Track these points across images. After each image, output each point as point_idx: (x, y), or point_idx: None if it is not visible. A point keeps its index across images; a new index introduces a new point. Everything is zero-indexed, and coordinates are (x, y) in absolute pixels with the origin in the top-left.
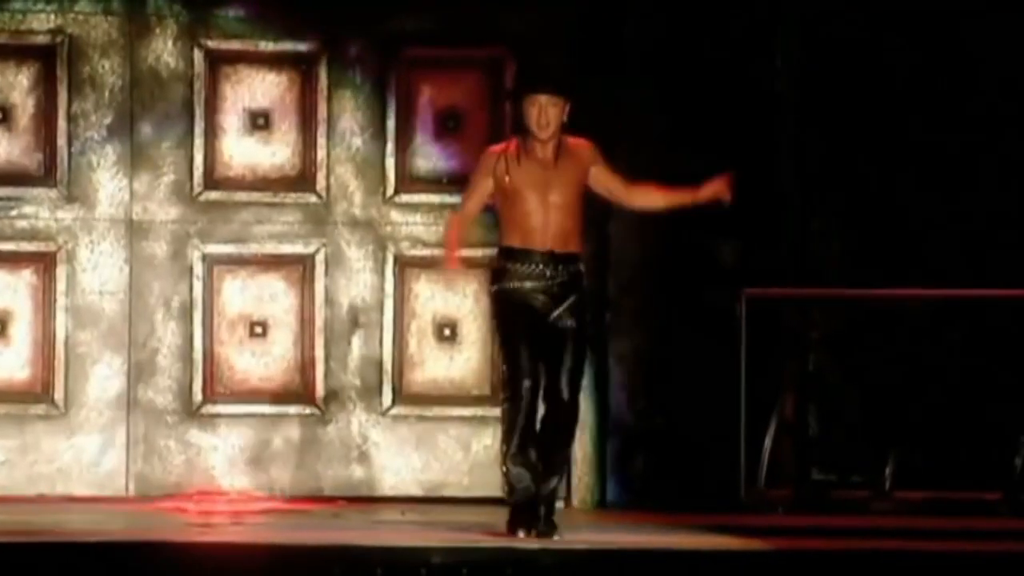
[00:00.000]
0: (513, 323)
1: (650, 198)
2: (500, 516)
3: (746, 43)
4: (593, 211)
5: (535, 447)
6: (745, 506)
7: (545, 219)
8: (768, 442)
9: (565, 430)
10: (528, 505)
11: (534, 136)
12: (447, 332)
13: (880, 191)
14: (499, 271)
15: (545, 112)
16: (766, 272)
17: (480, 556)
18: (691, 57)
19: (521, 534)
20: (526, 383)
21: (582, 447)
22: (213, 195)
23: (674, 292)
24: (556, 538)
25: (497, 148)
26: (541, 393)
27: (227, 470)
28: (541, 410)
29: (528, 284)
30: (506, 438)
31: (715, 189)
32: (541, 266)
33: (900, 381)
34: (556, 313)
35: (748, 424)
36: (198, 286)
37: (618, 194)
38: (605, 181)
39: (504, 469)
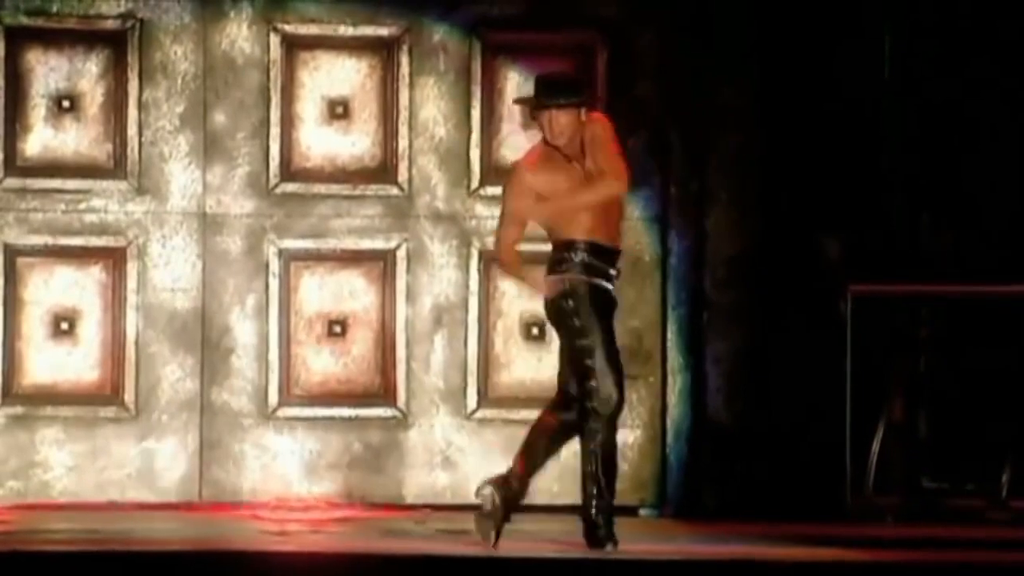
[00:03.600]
0: (610, 326)
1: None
2: None
3: (849, 26)
4: (690, 205)
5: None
6: (851, 515)
7: (608, 216)
8: (876, 447)
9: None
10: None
11: (552, 142)
12: (535, 331)
13: (991, 183)
14: (588, 266)
15: (557, 121)
16: (873, 267)
17: (565, 568)
18: (789, 42)
19: (610, 547)
20: (621, 394)
21: (677, 453)
22: (290, 187)
23: (775, 289)
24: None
25: (525, 162)
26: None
27: (304, 476)
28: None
29: (603, 284)
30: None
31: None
32: (611, 268)
33: (1016, 382)
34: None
35: (854, 428)
36: (274, 283)
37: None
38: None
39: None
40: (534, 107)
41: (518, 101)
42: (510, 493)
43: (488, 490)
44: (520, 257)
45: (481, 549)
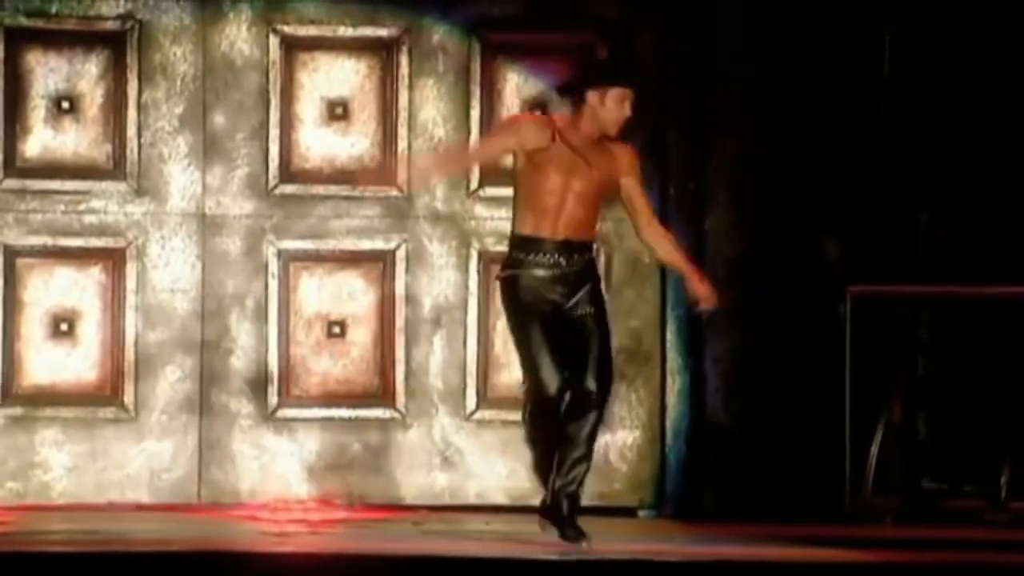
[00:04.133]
0: (530, 317)
1: (658, 243)
2: (589, 526)
3: (849, 26)
4: (688, 205)
5: (559, 444)
6: (850, 516)
7: (561, 205)
8: (875, 448)
9: (591, 425)
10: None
11: (604, 129)
12: None
13: (992, 184)
14: (511, 260)
15: (629, 105)
16: (872, 269)
17: (564, 569)
18: (789, 42)
19: (549, 528)
20: (553, 383)
21: (676, 454)
22: (289, 188)
23: (774, 290)
24: (584, 545)
25: (532, 117)
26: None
27: (303, 477)
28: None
29: (541, 273)
30: (533, 446)
31: (702, 292)
32: (555, 255)
33: (1016, 383)
34: (572, 302)
35: (853, 429)
36: (273, 284)
37: (636, 217)
38: (632, 197)
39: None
40: (616, 82)
41: (565, 90)
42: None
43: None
44: (454, 166)
45: (479, 549)
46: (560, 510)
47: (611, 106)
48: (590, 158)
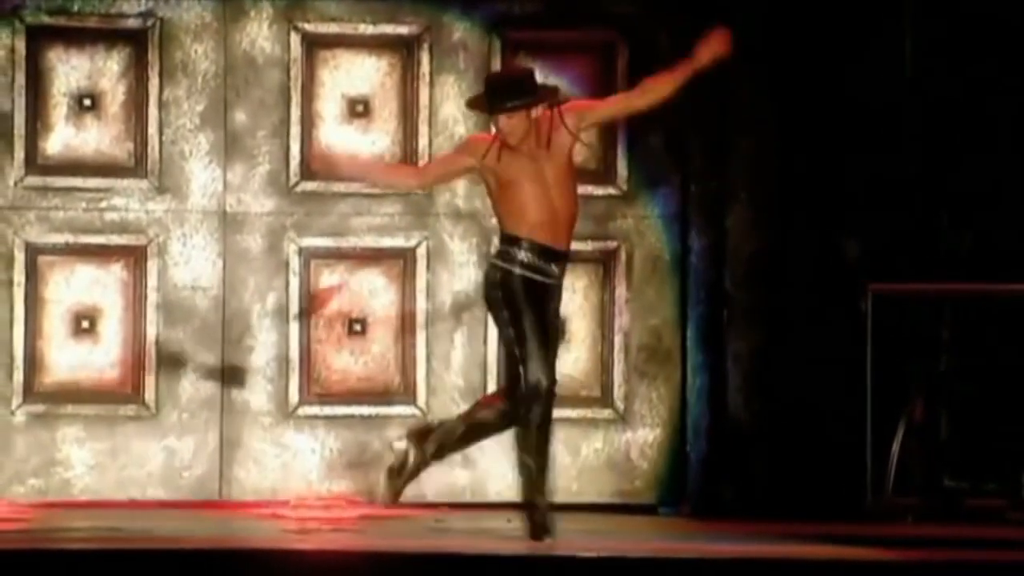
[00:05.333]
0: (533, 315)
1: (657, 90)
2: (610, 524)
3: (869, 25)
4: (709, 203)
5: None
6: (871, 515)
7: (551, 212)
8: (896, 447)
9: (550, 421)
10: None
11: (511, 136)
12: None
13: (1013, 182)
14: (508, 255)
15: (506, 122)
16: (893, 266)
17: (584, 566)
18: (809, 41)
19: (548, 539)
20: (545, 382)
21: (697, 452)
22: (310, 186)
23: (795, 288)
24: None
25: (482, 136)
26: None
27: (325, 474)
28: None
29: (539, 278)
30: (524, 444)
31: (712, 48)
32: (552, 265)
33: None
34: (552, 308)
35: (874, 428)
36: (294, 281)
37: (627, 108)
38: (608, 112)
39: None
40: (484, 112)
41: (470, 105)
42: (419, 458)
43: (405, 444)
44: (395, 177)
45: (500, 547)
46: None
47: (502, 121)
48: (551, 152)
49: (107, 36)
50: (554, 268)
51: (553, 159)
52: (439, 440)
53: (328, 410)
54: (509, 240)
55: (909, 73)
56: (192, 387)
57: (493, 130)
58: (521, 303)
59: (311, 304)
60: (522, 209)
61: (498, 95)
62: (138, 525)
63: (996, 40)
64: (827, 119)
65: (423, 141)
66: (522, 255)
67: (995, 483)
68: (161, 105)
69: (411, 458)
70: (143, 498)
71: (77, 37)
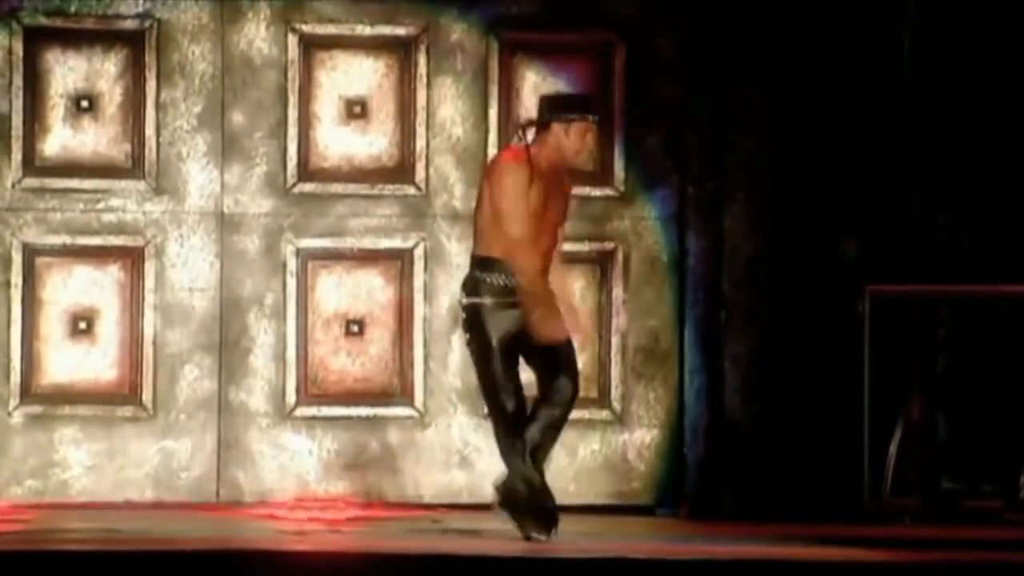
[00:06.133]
0: (495, 341)
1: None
2: (607, 525)
3: (868, 26)
4: (707, 205)
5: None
6: (869, 516)
7: (538, 233)
8: (893, 448)
9: (561, 418)
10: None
11: (564, 159)
12: None
13: (1012, 184)
14: (478, 284)
15: (591, 135)
16: (891, 268)
17: (582, 567)
18: (808, 42)
19: (543, 537)
20: (510, 404)
21: (694, 453)
22: (307, 187)
23: (793, 289)
24: (545, 538)
25: (519, 158)
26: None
27: (322, 475)
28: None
29: (505, 298)
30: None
31: (577, 328)
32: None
33: None
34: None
35: (872, 429)
36: (292, 282)
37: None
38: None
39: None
40: (580, 113)
41: (536, 123)
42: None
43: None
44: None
45: (498, 548)
46: (552, 511)
47: (570, 135)
48: (558, 185)
49: (104, 37)
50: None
51: (558, 194)
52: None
53: (325, 411)
54: (481, 264)
55: (907, 73)
56: (189, 388)
57: (514, 144)
58: (484, 336)
59: None
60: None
61: (588, 106)
62: (135, 526)
63: (996, 40)
64: (825, 120)
65: (420, 143)
66: (489, 276)
67: (993, 484)
68: (158, 106)
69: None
70: (140, 499)
71: (74, 38)
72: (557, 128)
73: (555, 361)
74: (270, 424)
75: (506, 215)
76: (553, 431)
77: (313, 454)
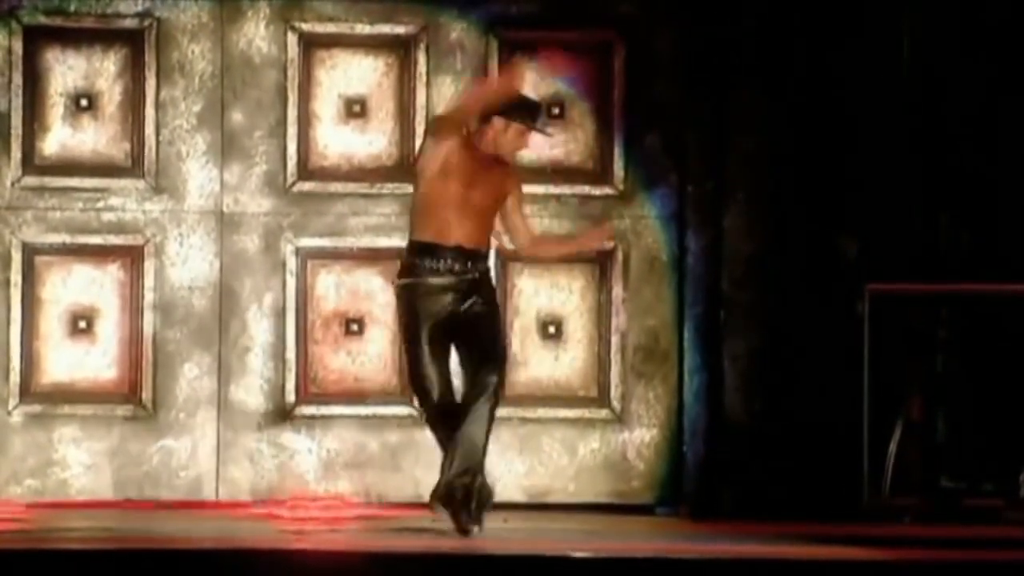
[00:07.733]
0: (423, 325)
1: (546, 251)
2: (606, 524)
3: (868, 26)
4: (707, 204)
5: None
6: (868, 515)
7: (461, 215)
8: (893, 447)
9: (485, 411)
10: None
11: (499, 152)
12: (552, 330)
13: (1013, 183)
14: (407, 267)
15: (527, 140)
16: (891, 267)
17: (583, 566)
18: (808, 41)
19: (441, 512)
20: (434, 391)
21: (694, 452)
22: (307, 186)
23: (792, 288)
24: (476, 530)
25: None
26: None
27: (321, 474)
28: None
29: (437, 281)
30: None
31: (598, 236)
32: (451, 262)
33: None
34: (465, 306)
35: (872, 428)
36: (291, 281)
37: (517, 236)
38: (514, 215)
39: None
40: (525, 121)
41: (511, 116)
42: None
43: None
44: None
45: (497, 547)
46: (455, 499)
47: (508, 135)
48: (489, 173)
49: (104, 36)
50: (457, 266)
51: (489, 182)
52: (454, 456)
53: (325, 410)
54: (410, 248)
55: (907, 73)
56: (189, 387)
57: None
58: (412, 317)
59: None
60: (441, 207)
61: (541, 117)
62: (135, 525)
63: (996, 39)
64: (825, 119)
65: (419, 141)
66: (417, 260)
67: (992, 483)
68: (158, 105)
69: (465, 488)
70: (140, 498)
71: (74, 37)
72: (499, 123)
73: (481, 352)
74: (270, 423)
75: (439, 121)
76: (481, 424)
77: (313, 453)
